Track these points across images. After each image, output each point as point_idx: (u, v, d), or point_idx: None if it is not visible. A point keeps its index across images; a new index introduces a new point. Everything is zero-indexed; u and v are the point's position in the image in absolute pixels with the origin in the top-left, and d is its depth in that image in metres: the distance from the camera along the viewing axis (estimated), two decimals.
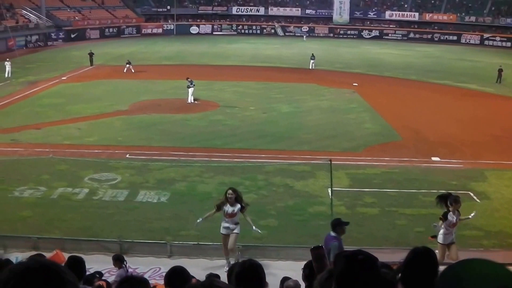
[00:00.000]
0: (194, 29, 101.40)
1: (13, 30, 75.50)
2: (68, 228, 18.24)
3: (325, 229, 17.30)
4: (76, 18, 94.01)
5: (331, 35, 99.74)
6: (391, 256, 11.66)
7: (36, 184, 22.83)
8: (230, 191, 15.11)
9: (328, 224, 12.92)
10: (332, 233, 12.07)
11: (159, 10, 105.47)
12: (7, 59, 53.03)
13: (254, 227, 15.42)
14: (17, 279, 2.12)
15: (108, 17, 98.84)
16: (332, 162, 17.96)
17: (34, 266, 2.17)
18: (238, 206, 15.14)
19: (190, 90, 39.56)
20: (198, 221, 15.57)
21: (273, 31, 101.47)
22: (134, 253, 16.13)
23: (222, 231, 15.27)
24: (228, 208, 15.07)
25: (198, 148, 28.47)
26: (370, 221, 19.50)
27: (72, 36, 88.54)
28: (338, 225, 12.22)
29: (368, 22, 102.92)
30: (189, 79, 39.94)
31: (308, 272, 7.03)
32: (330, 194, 18.97)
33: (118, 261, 12.68)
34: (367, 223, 19.30)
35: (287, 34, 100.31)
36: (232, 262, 14.44)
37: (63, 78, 51.37)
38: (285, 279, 8.45)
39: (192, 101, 39.45)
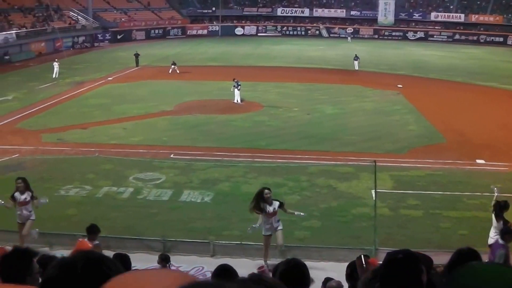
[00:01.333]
0: (239, 30, 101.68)
1: (60, 31, 76.81)
2: (113, 227, 18.42)
3: (368, 231, 17.30)
4: (122, 19, 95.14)
5: (376, 36, 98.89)
6: (434, 259, 11.47)
7: (81, 183, 23.16)
8: (267, 191, 15.09)
9: (371, 226, 12.82)
10: (501, 241, 11.84)
11: (204, 11, 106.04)
12: (55, 60, 54.03)
13: (296, 212, 15.49)
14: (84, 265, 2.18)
15: (154, 19, 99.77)
16: (376, 164, 17.81)
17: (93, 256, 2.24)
18: (277, 203, 15.14)
19: (237, 91, 39.72)
20: (254, 226, 15.50)
21: (317, 32, 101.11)
22: (177, 252, 16.22)
23: (266, 232, 15.24)
24: (269, 208, 15.06)
25: (242, 148, 28.52)
26: (414, 223, 19.29)
27: (118, 37, 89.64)
28: (507, 233, 11.97)
29: (413, 24, 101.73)
30: (236, 80, 40.08)
31: (350, 272, 6.99)
32: (373, 196, 18.81)
33: (164, 261, 12.82)
34: (411, 225, 19.10)
35: (331, 35, 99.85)
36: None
37: (109, 78, 52.08)
38: (327, 280, 8.41)
39: (239, 101, 39.59)
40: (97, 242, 13.19)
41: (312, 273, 6.11)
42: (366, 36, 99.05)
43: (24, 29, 73.47)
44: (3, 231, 16.62)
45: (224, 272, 6.59)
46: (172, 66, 54.63)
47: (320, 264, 15.10)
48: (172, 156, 27.27)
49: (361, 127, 33.40)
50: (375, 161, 17.88)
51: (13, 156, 27.54)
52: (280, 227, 15.20)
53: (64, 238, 16.55)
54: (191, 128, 33.10)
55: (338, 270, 9.18)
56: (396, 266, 3.41)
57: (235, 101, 39.63)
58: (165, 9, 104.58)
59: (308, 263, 6.05)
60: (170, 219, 19.52)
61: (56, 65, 52.98)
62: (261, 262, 15.68)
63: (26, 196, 15.48)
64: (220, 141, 30.05)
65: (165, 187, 22.82)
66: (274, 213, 15.08)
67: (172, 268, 12.96)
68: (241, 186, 22.96)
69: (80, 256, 2.35)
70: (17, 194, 15.50)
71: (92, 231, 13.27)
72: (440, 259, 7.10)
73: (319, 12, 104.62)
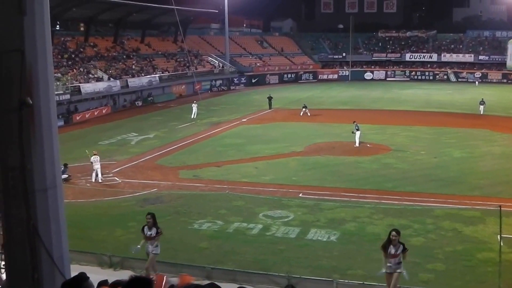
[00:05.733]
0: (368, 75, 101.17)
1: (200, 75, 79.65)
2: (241, 261, 18.62)
3: (493, 276, 16.49)
4: (257, 64, 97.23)
5: (505, 80, 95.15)
6: None
7: (214, 218, 23.64)
8: (394, 233, 14.72)
9: (496, 272, 12.22)
10: None
11: (335, 57, 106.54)
12: (194, 102, 55.88)
13: (405, 272, 14.93)
14: None
15: (287, 64, 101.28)
16: (504, 209, 16.99)
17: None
18: (401, 247, 14.75)
19: (357, 134, 39.29)
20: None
21: (445, 77, 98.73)
22: None
23: (387, 269, 14.90)
24: (391, 249, 14.72)
25: (368, 190, 28.13)
26: None
27: (253, 81, 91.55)
28: None
29: None
30: (355, 123, 39.72)
31: None
32: (499, 241, 17.95)
33: None
34: None
35: (459, 80, 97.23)
36: None
37: (243, 120, 53.18)
38: None
39: (358, 145, 39.07)
40: None
41: None
42: (494, 81, 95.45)
43: (166, 73, 76.71)
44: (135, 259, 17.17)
45: None
46: (304, 109, 55.01)
47: None
48: (300, 195, 27.30)
49: (489, 171, 32.06)
50: (500, 206, 17.09)
51: (152, 190, 28.61)
52: (399, 270, 14.75)
53: (194, 270, 16.83)
54: (320, 168, 33.06)
55: None
56: None
57: (356, 144, 39.09)
58: (298, 55, 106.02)
59: None
60: (296, 256, 19.48)
61: (194, 106, 54.85)
62: None
63: (152, 232, 15.98)
64: (348, 182, 29.79)
65: (293, 225, 22.83)
66: (396, 255, 14.70)
67: None
68: (366, 226, 22.59)
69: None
70: (145, 228, 16.05)
71: None
72: None
73: (447, 57, 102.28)
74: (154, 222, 16.00)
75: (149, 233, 15.92)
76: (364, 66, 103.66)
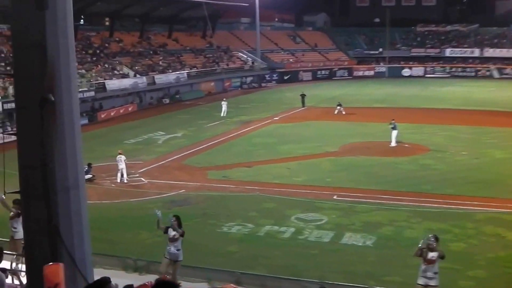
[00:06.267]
0: (406, 72, 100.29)
1: (229, 72, 79.77)
2: (271, 266, 18.59)
3: None
4: (290, 60, 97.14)
5: None
6: None
7: (244, 221, 23.66)
8: (432, 239, 14.58)
9: None
10: None
11: (371, 52, 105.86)
12: (224, 99, 56.10)
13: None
14: None
15: (321, 60, 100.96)
16: None
17: None
18: (437, 253, 14.57)
19: (394, 133, 38.92)
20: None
21: (488, 73, 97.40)
22: None
23: (420, 281, 14.66)
24: (429, 254, 14.55)
25: (406, 192, 27.88)
26: None
27: (285, 77, 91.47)
28: None
29: None
30: (393, 120, 39.36)
31: None
32: None
33: None
34: None
35: (503, 76, 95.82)
36: None
37: (275, 118, 53.17)
38: None
39: (395, 145, 38.74)
40: None
41: None
42: None
43: (194, 69, 77.02)
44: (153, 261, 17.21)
45: None
46: (338, 107, 54.76)
47: None
48: (335, 197, 27.20)
49: None
50: None
51: (179, 192, 28.74)
52: (432, 283, 14.49)
53: (223, 274, 16.82)
54: (355, 169, 32.89)
55: None
56: None
57: (392, 144, 38.78)
58: (332, 51, 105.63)
59: None
60: (329, 261, 19.40)
61: (224, 104, 55.04)
62: None
63: (175, 233, 16.00)
64: (383, 184, 29.57)
65: (327, 228, 22.75)
66: (433, 261, 14.51)
67: None
68: (404, 231, 22.40)
69: None
70: (170, 230, 16.08)
71: None
72: None
73: (490, 52, 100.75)
74: (178, 224, 16.06)
75: (173, 233, 15.98)
76: (401, 62, 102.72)
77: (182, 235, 15.93)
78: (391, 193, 27.64)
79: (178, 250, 15.99)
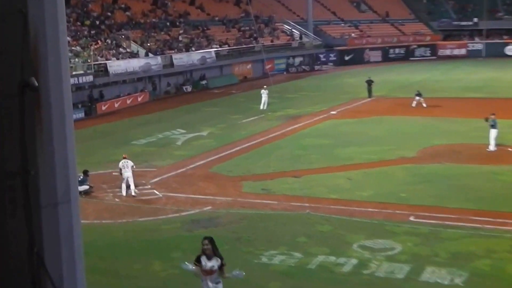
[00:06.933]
0: (510, 50, 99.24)
1: (272, 51, 79.67)
2: None
3: None
4: (352, 35, 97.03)
5: None
6: None
7: (289, 249, 23.58)
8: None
9: None
10: None
11: (462, 23, 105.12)
12: (264, 87, 56.08)
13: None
14: None
15: (394, 34, 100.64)
16: None
17: None
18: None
19: (493, 133, 38.44)
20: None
21: None
22: None
23: None
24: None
25: (509, 213, 27.57)
26: None
27: (346, 58, 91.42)
28: None
29: None
30: (492, 116, 38.89)
31: None
32: None
33: None
34: None
35: None
36: None
37: (332, 112, 53.18)
38: None
39: (494, 148, 38.30)
40: None
41: None
42: None
43: (225, 47, 77.20)
44: None
45: None
46: (417, 98, 54.42)
47: None
48: (411, 218, 26.99)
49: None
50: None
51: (205, 209, 28.83)
52: None
53: None
54: (440, 181, 32.62)
55: None
56: None
57: (490, 148, 38.32)
58: (410, 22, 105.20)
59: None
60: None
61: (264, 93, 55.04)
62: None
63: (213, 263, 15.83)
64: (479, 202, 29.25)
65: (401, 260, 22.58)
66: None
67: None
68: (506, 265, 22.15)
69: None
70: (203, 259, 15.95)
71: None
72: None
73: None
74: (213, 249, 15.85)
75: (209, 265, 15.73)
76: (504, 37, 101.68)
77: (222, 264, 15.72)
78: (489, 214, 27.34)
79: (216, 284, 15.86)
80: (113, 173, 33.12)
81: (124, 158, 31.57)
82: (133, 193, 30.96)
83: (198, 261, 15.64)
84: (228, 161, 37.65)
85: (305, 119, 49.97)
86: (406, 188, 31.52)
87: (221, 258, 15.60)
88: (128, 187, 31.09)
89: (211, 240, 15.71)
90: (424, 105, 53.73)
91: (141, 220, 27.75)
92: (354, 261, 22.51)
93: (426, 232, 25.30)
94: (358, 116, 50.96)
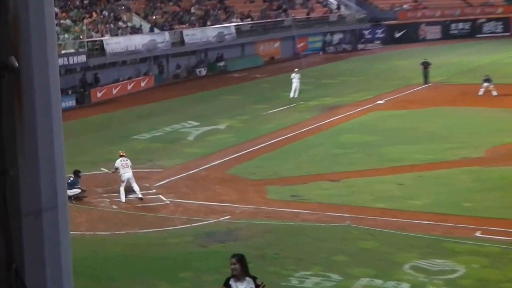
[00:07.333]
0: None
1: (305, 26, 79.59)
2: None
3: None
4: (405, 6, 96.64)
5: None
6: None
7: (325, 269, 23.60)
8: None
9: None
10: None
11: None
12: (295, 70, 55.84)
13: None
14: None
15: (457, 5, 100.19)
16: None
17: None
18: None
19: None
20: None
21: None
22: None
23: None
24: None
25: None
26: None
27: (397, 35, 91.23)
28: None
29: None
30: None
31: None
32: None
33: None
34: None
35: None
36: None
37: (378, 102, 53.19)
38: None
39: None
40: None
41: None
42: None
43: (248, 21, 77.18)
44: None
45: None
46: (485, 85, 54.14)
47: None
48: (478, 234, 26.91)
49: None
50: None
51: (222, 219, 28.89)
52: None
53: None
54: None
55: None
56: None
57: None
58: None
59: None
60: None
61: (295, 77, 54.91)
62: None
63: (245, 286, 15.77)
64: None
65: (464, 286, 22.55)
66: None
67: None
68: None
69: None
70: (232, 282, 15.87)
71: None
72: None
73: None
74: (243, 269, 15.73)
75: (241, 287, 15.69)
76: None
77: (258, 285, 15.52)
78: None
79: None
80: (104, 171, 33.10)
81: (122, 155, 31.56)
82: (139, 195, 30.96)
83: (227, 285, 15.48)
84: (250, 161, 37.74)
85: (345, 111, 49.97)
86: (471, 196, 31.42)
87: (254, 278, 15.48)
88: (128, 190, 31.10)
89: (239, 259, 15.46)
90: (494, 93, 53.51)
91: (143, 232, 27.85)
92: (405, 286, 22.52)
93: (496, 251, 25.22)
94: (410, 107, 50.93)
